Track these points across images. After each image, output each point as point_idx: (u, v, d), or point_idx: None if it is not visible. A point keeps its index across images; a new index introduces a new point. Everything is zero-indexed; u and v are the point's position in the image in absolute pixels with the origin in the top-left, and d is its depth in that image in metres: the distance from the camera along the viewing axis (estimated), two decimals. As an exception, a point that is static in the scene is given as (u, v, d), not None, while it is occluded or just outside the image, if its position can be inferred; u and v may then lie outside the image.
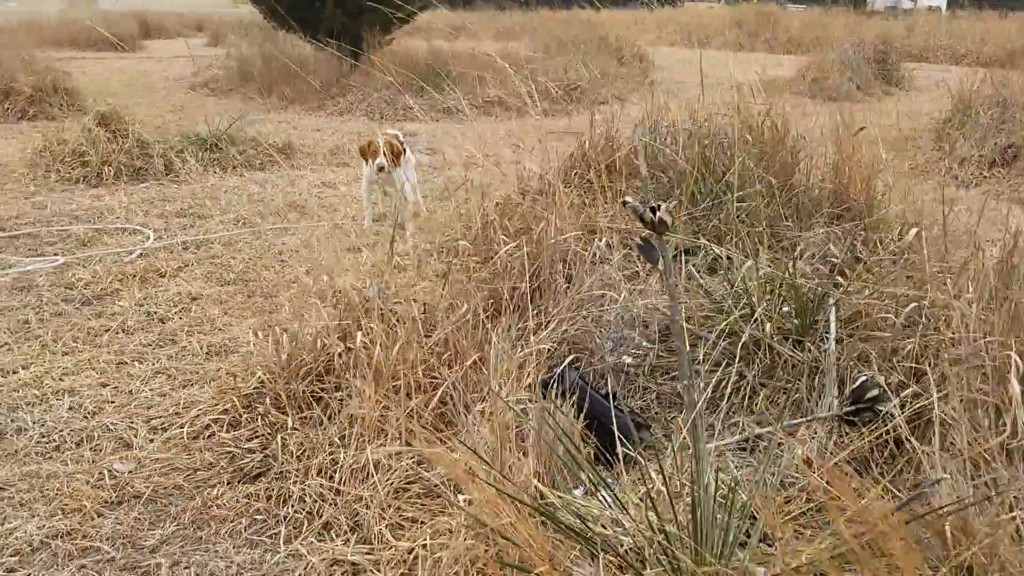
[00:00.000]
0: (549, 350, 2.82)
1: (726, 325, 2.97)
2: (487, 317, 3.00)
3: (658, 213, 1.73)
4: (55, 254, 4.58)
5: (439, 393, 2.50)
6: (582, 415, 2.59)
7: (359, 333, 2.59)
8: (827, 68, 11.47)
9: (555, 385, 2.65)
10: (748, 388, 2.94)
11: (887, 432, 2.50)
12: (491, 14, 23.56)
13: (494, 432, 2.09)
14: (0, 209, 5.42)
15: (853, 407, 2.66)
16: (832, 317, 3.00)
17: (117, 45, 16.89)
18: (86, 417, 2.93)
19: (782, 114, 4.76)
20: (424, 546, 2.07)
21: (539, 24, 19.93)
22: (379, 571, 2.10)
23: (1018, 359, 2.05)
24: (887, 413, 2.56)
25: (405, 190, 5.08)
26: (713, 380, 2.86)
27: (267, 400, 2.79)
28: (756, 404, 2.92)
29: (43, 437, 2.80)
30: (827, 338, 2.95)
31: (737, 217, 4.14)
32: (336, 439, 2.52)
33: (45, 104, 8.77)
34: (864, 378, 2.67)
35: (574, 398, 2.58)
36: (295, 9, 10.11)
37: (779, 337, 3.01)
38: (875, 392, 2.61)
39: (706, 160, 4.43)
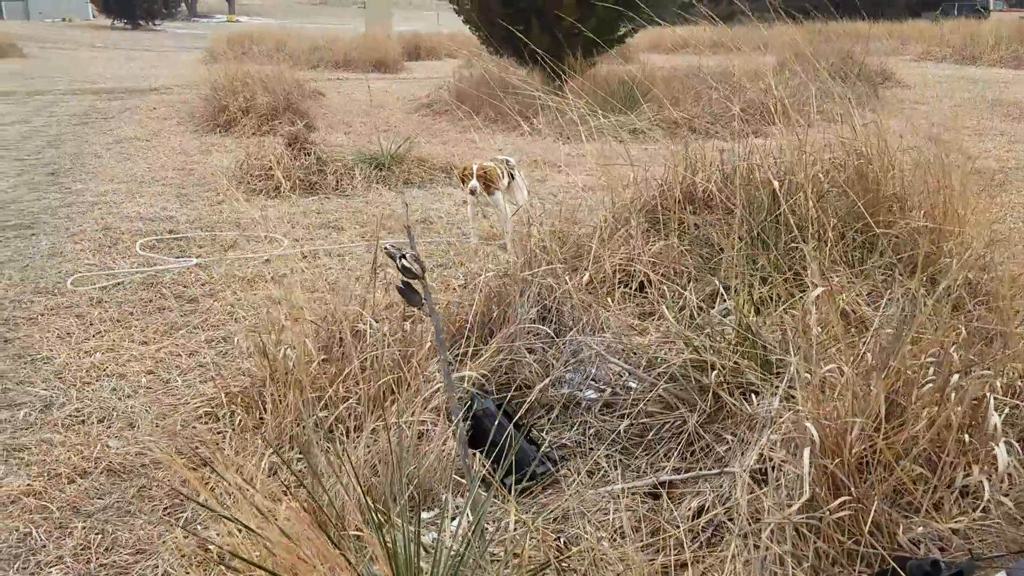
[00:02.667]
0: (477, 378, 2.93)
1: (665, 367, 2.91)
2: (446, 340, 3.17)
3: (402, 261, 1.84)
4: (197, 256, 5.30)
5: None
6: (482, 443, 2.70)
7: (283, 347, 2.87)
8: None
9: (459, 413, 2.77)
10: (687, 434, 2.87)
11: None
12: (748, 29, 23.00)
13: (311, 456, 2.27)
14: (182, 213, 6.32)
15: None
16: (790, 372, 2.84)
17: (381, 66, 18.62)
18: (120, 399, 3.46)
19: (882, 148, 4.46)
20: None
21: (795, 37, 19.18)
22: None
23: (814, 432, 1.89)
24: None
25: (506, 212, 5.31)
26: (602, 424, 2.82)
27: (238, 400, 3.16)
28: (693, 451, 2.85)
29: (77, 412, 3.35)
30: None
31: (789, 258, 3.97)
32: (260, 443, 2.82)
33: (277, 121, 9.89)
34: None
35: (469, 424, 2.69)
36: (504, 34, 10.65)
37: (731, 385, 2.90)
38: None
39: (775, 198, 4.26)
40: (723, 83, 10.84)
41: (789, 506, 1.98)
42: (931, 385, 2.14)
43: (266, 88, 10.42)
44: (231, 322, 4.26)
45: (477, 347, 3.17)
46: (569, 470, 2.84)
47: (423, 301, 1.92)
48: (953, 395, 2.08)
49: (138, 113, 11.83)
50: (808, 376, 2.53)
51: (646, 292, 4.00)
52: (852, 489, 1.93)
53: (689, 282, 3.94)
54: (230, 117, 10.16)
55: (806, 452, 1.92)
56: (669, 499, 2.64)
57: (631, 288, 4.05)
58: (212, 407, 3.28)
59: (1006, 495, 2.15)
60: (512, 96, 10.87)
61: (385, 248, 1.89)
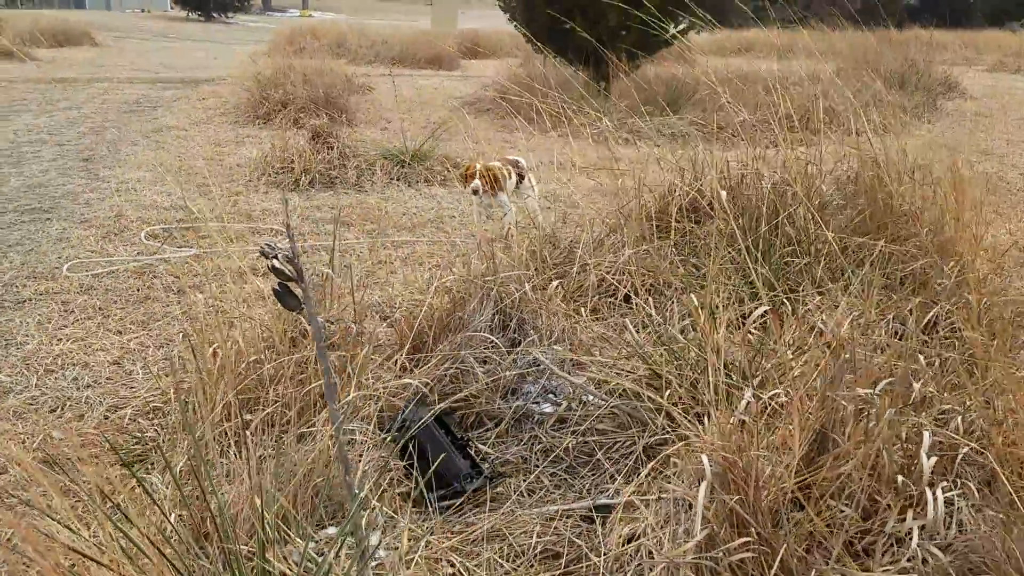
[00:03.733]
0: (418, 386, 2.80)
1: (617, 384, 2.74)
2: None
3: (273, 261, 1.72)
4: (198, 247, 5.27)
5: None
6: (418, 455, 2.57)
7: (212, 346, 2.78)
8: None
9: (394, 423, 2.64)
10: (635, 455, 2.70)
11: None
12: (816, 34, 22.41)
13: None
14: (198, 203, 6.32)
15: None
16: (746, 396, 2.64)
17: (436, 64, 18.60)
18: (79, 388, 3.41)
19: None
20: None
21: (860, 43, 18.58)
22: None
23: (707, 466, 1.70)
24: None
25: (509, 213, 5.17)
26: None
27: (184, 398, 3.08)
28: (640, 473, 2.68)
29: (33, 400, 3.31)
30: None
31: (784, 271, 3.76)
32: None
33: (314, 115, 9.88)
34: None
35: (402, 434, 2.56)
36: (549, 33, 10.50)
37: (687, 405, 2.71)
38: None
39: (776, 209, 4.04)
40: (771, 88, 10.55)
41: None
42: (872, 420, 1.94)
43: (306, 82, 10.43)
44: (210, 315, 4.19)
45: (428, 354, 3.04)
46: (507, 487, 2.69)
47: (301, 305, 1.80)
48: (884, 431, 1.87)
49: (186, 103, 11.96)
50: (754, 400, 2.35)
51: (632, 304, 3.82)
52: (756, 530, 1.75)
53: (674, 294, 3.75)
54: (269, 109, 10.20)
55: (702, 487, 1.74)
56: (602, 524, 2.48)
57: (617, 299, 3.88)
58: (162, 402, 3.22)
59: (949, 545, 1.94)
60: (553, 96, 10.76)
61: (260, 248, 1.78)
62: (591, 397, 2.94)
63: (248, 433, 2.44)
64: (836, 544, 1.76)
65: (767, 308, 2.62)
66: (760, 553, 1.74)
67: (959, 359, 2.58)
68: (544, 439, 2.86)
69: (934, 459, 1.87)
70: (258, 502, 2.11)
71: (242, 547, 2.08)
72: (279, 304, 1.79)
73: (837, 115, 9.94)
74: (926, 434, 1.88)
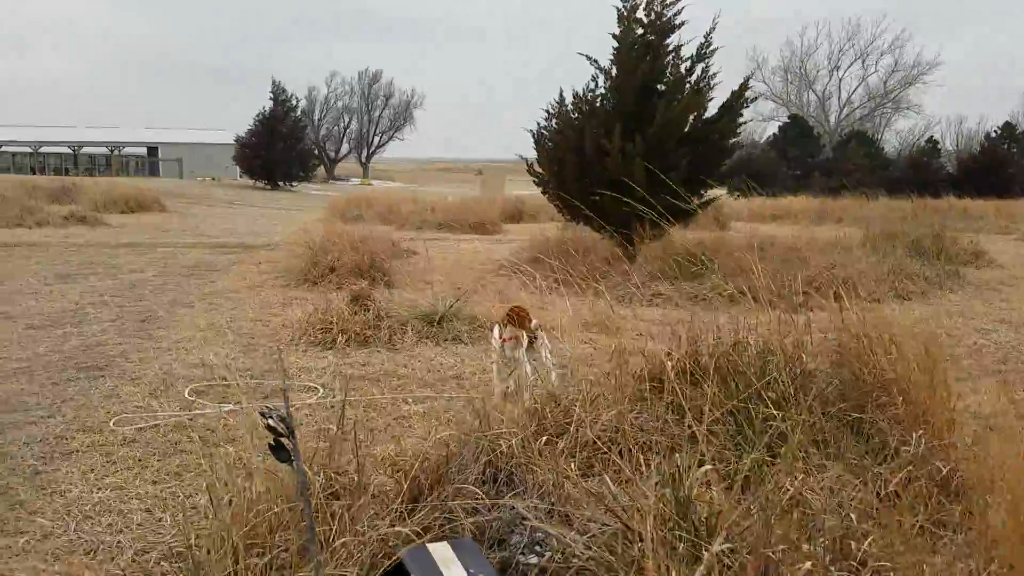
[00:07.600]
0: (408, 534, 3.08)
1: (589, 538, 2.98)
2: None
3: (268, 421, 2.08)
4: (237, 403, 5.68)
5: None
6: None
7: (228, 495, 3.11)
8: None
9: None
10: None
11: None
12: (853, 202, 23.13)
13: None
14: (243, 362, 6.79)
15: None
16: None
17: (480, 228, 19.51)
18: (111, 535, 3.72)
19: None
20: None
21: (894, 213, 19.11)
22: None
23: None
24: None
25: (524, 368, 5.52)
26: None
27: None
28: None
29: (69, 543, 3.63)
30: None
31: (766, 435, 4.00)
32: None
33: (359, 279, 10.51)
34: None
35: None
36: (581, 203, 11.16)
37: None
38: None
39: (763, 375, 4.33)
40: (789, 255, 10.97)
41: None
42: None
43: (353, 248, 11.14)
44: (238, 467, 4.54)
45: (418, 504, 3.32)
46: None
47: (291, 458, 2.14)
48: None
49: (243, 267, 12.77)
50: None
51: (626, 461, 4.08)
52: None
53: (664, 454, 4.00)
54: (319, 273, 10.87)
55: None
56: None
57: (610, 456, 4.14)
58: (185, 547, 3.51)
59: None
60: (584, 261, 11.33)
61: (259, 412, 2.14)
62: (575, 548, 3.18)
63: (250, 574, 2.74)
64: None
65: (709, 468, 2.88)
66: None
67: (907, 523, 2.79)
68: (526, 590, 3.08)
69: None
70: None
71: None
72: (274, 456, 2.14)
73: (855, 283, 10.32)
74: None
